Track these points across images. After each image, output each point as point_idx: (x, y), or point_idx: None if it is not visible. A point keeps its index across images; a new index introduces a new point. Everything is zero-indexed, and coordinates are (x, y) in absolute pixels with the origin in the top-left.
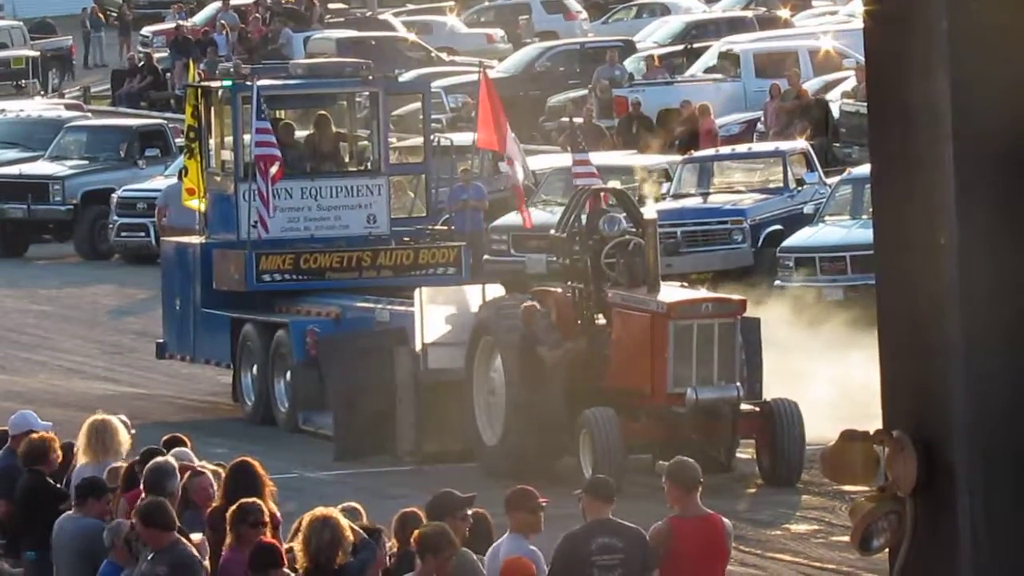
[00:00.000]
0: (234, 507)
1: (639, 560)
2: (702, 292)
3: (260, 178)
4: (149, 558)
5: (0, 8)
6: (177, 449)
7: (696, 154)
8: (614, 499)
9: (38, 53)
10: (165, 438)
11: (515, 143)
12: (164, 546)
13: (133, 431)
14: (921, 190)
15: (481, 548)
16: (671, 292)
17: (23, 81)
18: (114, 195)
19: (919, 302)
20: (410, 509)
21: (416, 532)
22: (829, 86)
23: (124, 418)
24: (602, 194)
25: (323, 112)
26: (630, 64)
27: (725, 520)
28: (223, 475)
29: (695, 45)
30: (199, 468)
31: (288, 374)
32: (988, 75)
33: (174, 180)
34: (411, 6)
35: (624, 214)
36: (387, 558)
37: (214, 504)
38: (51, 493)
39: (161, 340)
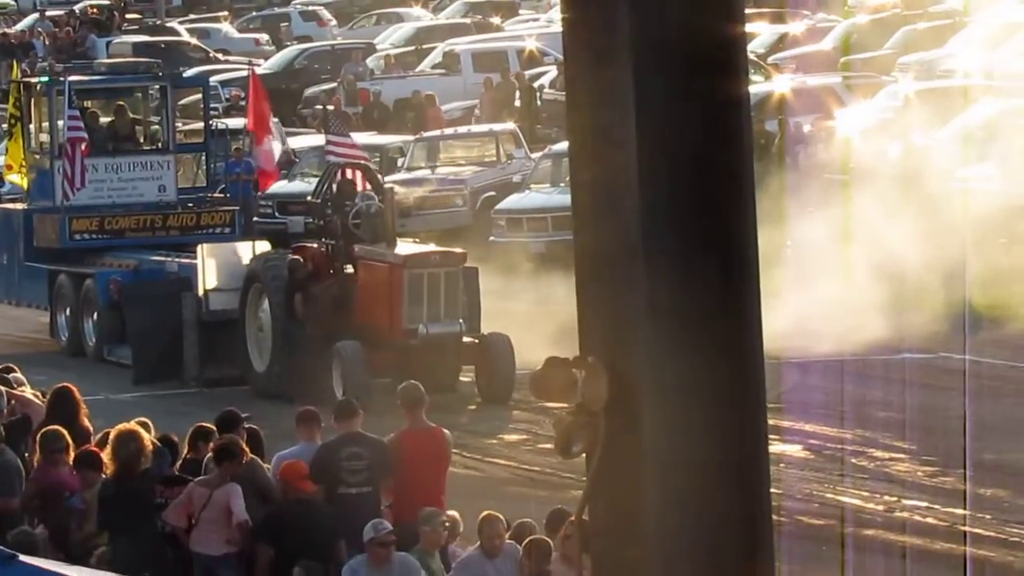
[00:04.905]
0: (39, 434)
1: (380, 466)
2: (431, 246)
3: (65, 160)
4: None
5: None
6: (13, 375)
7: (425, 135)
8: (359, 415)
9: None
10: (0, 367)
11: (277, 127)
12: None
13: None
14: (609, 163)
15: (256, 456)
16: (405, 247)
17: None
18: None
19: (608, 253)
20: (203, 424)
21: (214, 443)
22: (533, 78)
23: None
24: (350, 169)
25: (121, 103)
26: (371, 62)
27: (446, 431)
28: (43, 398)
29: (424, 46)
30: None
31: (95, 315)
32: (665, 65)
33: None
34: (193, 15)
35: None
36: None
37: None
38: None
39: None
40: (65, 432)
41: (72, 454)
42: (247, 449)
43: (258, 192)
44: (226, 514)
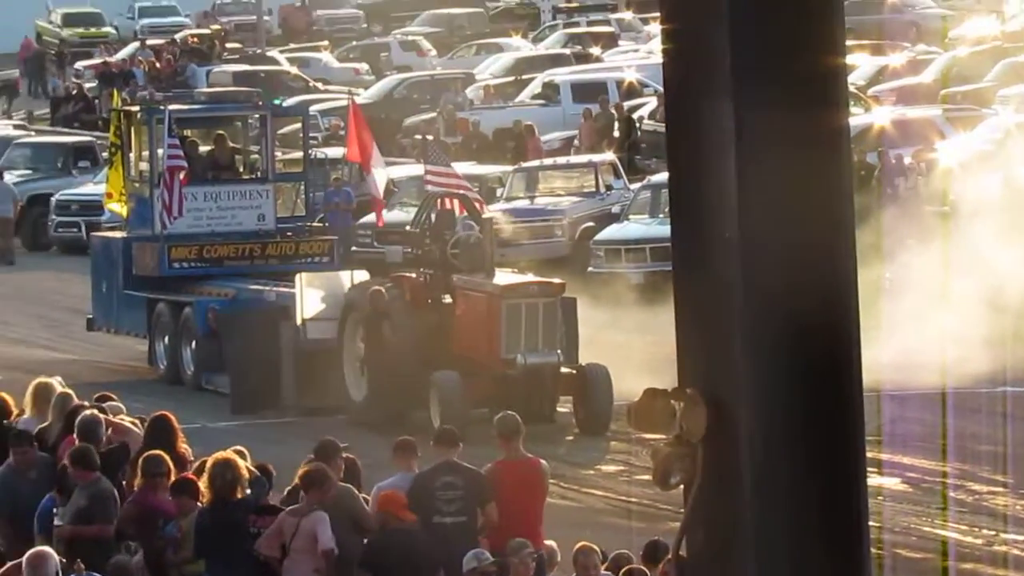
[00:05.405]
0: (142, 458)
1: (475, 496)
2: (529, 277)
3: (164, 188)
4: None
5: None
6: (111, 403)
7: (524, 165)
8: (458, 445)
9: None
10: (97, 395)
11: (379, 156)
12: (89, 481)
13: (68, 390)
14: (709, 194)
15: (353, 485)
16: (504, 277)
17: None
18: (53, 198)
19: (708, 285)
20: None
21: (300, 471)
22: (632, 110)
23: (60, 379)
24: (448, 198)
25: (221, 132)
26: (471, 92)
27: (543, 462)
28: (141, 426)
29: (523, 76)
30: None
31: (193, 343)
32: (765, 97)
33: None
34: (293, 45)
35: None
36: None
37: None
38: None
39: (91, 315)
40: (167, 458)
41: (171, 480)
42: (335, 478)
43: (377, 224)
44: (314, 543)
